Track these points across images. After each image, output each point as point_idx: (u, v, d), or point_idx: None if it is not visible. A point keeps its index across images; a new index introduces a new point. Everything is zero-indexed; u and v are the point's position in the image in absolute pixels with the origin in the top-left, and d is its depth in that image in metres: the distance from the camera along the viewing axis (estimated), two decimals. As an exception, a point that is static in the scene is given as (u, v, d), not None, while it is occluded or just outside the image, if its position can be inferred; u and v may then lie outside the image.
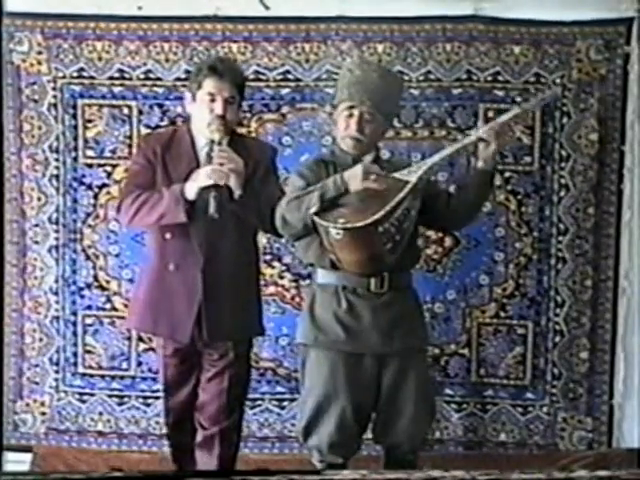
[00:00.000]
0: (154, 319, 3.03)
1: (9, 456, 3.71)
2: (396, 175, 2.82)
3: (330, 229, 2.70)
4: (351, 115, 2.87)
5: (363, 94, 2.85)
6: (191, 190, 2.87)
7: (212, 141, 2.91)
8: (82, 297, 3.67)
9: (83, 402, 3.69)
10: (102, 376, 3.68)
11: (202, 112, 2.94)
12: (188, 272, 2.97)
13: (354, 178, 2.73)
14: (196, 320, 2.97)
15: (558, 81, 3.53)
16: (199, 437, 3.11)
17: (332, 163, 2.93)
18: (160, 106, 3.60)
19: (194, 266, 2.96)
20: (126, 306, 3.61)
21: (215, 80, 2.92)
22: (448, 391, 3.64)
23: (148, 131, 3.56)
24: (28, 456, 3.64)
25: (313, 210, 2.73)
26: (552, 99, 3.45)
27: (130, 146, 3.61)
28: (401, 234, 2.76)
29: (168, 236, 2.98)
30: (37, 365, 3.69)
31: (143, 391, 3.66)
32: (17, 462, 3.66)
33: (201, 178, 2.85)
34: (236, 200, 2.86)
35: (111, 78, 3.60)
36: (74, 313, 3.67)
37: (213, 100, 2.92)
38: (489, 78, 3.56)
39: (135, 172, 3.06)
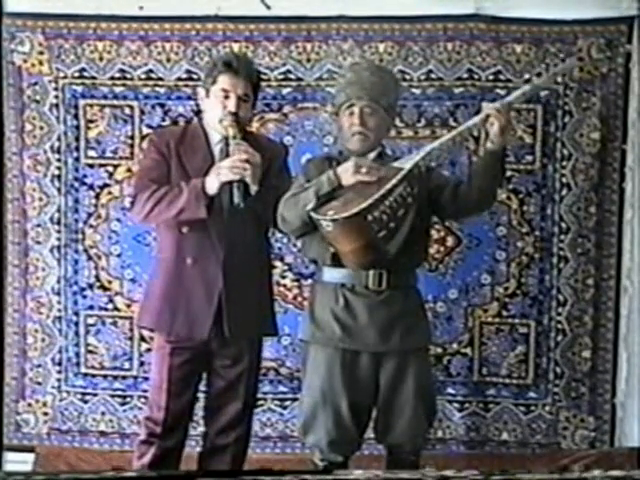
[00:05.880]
0: (171, 316, 2.94)
1: (11, 456, 3.71)
2: (394, 164, 2.84)
3: (321, 222, 2.72)
4: (352, 113, 2.88)
5: (359, 91, 2.86)
6: (212, 185, 2.83)
7: (226, 137, 2.89)
8: (84, 297, 3.67)
9: (85, 402, 3.69)
10: (104, 376, 3.69)
11: (215, 108, 2.91)
12: (206, 266, 2.91)
13: (346, 172, 2.75)
14: (215, 317, 2.91)
15: (560, 80, 3.53)
16: (208, 445, 3.06)
17: (337, 161, 2.92)
18: (162, 106, 3.60)
19: (213, 260, 2.91)
20: (129, 306, 3.63)
21: (230, 77, 2.89)
22: (450, 390, 3.64)
23: (158, 127, 3.54)
24: (30, 456, 3.63)
25: (309, 207, 2.74)
26: (568, 72, 3.46)
27: (132, 146, 3.62)
28: (396, 222, 2.74)
29: (185, 230, 2.92)
30: (39, 365, 3.69)
31: (145, 391, 3.63)
32: (19, 462, 3.65)
33: (224, 172, 2.80)
34: (253, 195, 2.81)
35: (112, 78, 3.60)
36: (76, 313, 3.67)
37: (227, 97, 2.89)
38: (491, 77, 3.56)
39: (149, 166, 2.99)
